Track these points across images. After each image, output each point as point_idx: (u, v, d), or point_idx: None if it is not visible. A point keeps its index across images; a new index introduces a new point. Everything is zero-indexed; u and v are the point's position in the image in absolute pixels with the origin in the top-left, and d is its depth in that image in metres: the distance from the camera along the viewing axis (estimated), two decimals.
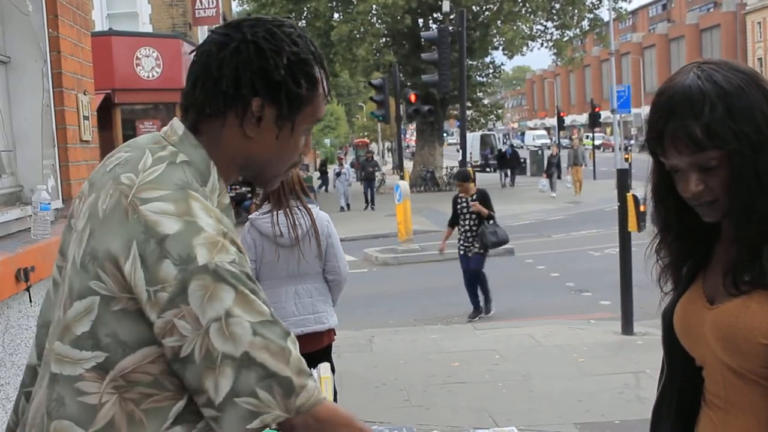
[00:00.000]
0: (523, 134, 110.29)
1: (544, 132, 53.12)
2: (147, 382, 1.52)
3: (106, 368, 1.51)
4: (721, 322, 1.58)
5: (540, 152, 40.64)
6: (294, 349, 1.54)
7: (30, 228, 3.79)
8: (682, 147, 1.54)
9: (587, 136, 58.43)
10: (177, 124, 1.65)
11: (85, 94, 4.76)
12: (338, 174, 28.79)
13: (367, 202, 28.24)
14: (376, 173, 31.39)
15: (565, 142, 36.31)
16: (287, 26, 1.64)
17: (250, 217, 4.85)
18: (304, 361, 1.56)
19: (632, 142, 51.99)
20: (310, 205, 4.81)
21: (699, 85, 1.53)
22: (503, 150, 38.58)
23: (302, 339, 4.72)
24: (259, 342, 1.48)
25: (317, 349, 4.77)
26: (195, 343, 1.46)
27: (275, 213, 4.70)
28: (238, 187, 26.78)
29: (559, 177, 29.03)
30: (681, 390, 1.76)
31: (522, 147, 41.09)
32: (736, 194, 1.54)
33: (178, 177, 1.54)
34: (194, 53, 1.67)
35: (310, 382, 1.54)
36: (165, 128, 1.68)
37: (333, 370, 4.56)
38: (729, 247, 1.61)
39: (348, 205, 28.10)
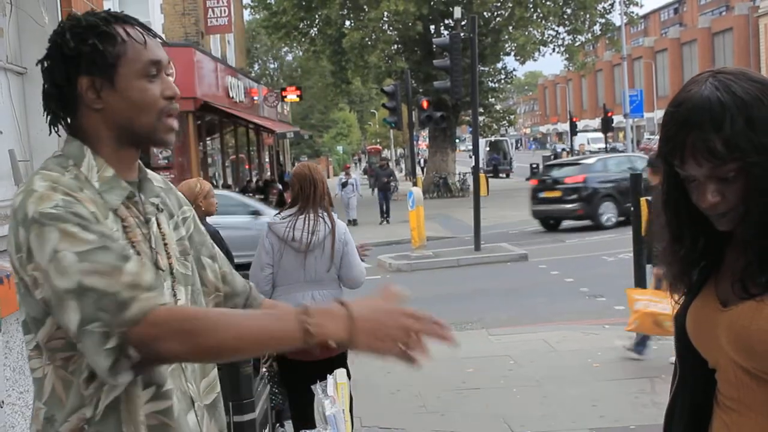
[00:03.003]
0: (535, 139, 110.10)
1: (600, 135, 47.05)
2: (62, 346, 1.70)
3: (38, 344, 1.73)
4: (735, 324, 1.59)
5: (552, 158, 40.43)
6: (134, 265, 1.63)
7: None
8: (701, 159, 1.54)
9: (649, 139, 52.92)
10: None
11: None
12: (344, 184, 26.11)
13: (382, 214, 25.99)
14: (392, 183, 29.10)
15: (619, 145, 34.09)
16: (86, 12, 1.86)
17: (268, 221, 4.91)
18: (147, 276, 1.63)
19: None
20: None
21: (718, 97, 1.53)
22: (550, 155, 38.55)
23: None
24: (87, 267, 1.60)
25: (333, 355, 4.79)
26: (45, 287, 1.62)
27: (296, 218, 4.76)
28: (251, 194, 26.88)
29: None
30: (693, 392, 1.76)
31: (568, 151, 39.57)
32: (752, 206, 1.55)
33: (41, 166, 1.78)
34: None
35: (143, 293, 1.61)
36: None
37: (349, 376, 4.57)
38: (741, 252, 1.62)
39: (354, 220, 25.07)
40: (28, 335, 1.75)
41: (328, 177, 48.66)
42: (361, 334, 1.57)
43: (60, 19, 4.29)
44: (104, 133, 1.82)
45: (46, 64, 1.82)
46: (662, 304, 6.84)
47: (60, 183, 1.70)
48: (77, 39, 1.77)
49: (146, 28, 1.86)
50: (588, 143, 55.25)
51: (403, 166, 55.88)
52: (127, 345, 1.57)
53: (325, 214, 4.83)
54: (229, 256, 5.71)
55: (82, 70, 1.78)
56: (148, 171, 1.98)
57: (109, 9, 1.87)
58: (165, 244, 1.92)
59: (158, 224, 1.91)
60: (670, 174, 1.65)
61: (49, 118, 1.85)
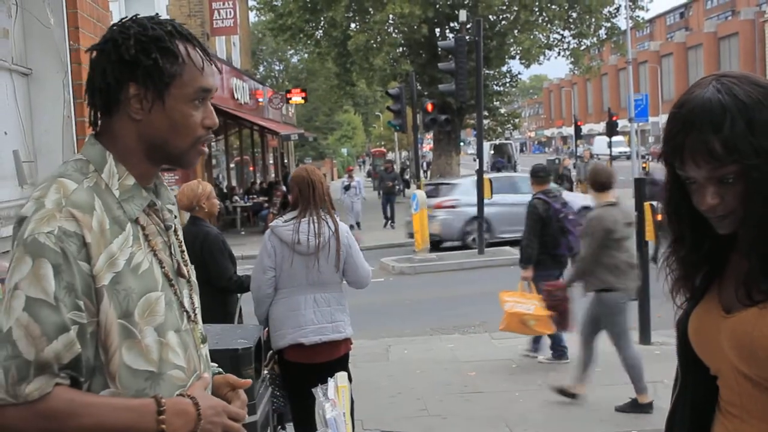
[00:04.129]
0: (540, 143, 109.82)
1: (621, 138, 44.47)
2: None
3: None
4: (738, 331, 1.58)
5: (556, 161, 40.03)
6: (58, 345, 1.58)
7: None
8: (700, 161, 1.54)
9: None
10: (90, 134, 1.83)
11: None
12: (347, 187, 25.45)
13: (386, 218, 25.63)
14: (397, 186, 29.04)
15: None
16: (149, 18, 1.80)
17: (271, 224, 4.93)
18: (59, 360, 1.59)
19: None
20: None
21: (719, 99, 1.53)
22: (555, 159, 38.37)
23: (320, 347, 4.78)
24: (24, 319, 1.56)
25: (334, 358, 4.81)
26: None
27: (299, 221, 4.77)
28: (255, 196, 26.87)
29: (570, 191, 25.61)
30: (695, 399, 1.76)
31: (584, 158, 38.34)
32: (752, 209, 1.54)
33: (58, 171, 1.73)
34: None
35: (45, 378, 1.58)
36: None
37: (350, 379, 4.58)
38: (744, 257, 1.61)
39: (358, 224, 24.24)
40: None
41: (332, 179, 48.64)
42: None
43: (66, 19, 4.31)
44: (134, 144, 1.78)
45: (96, 55, 1.77)
46: (527, 304, 7.30)
47: (71, 198, 1.66)
48: (140, 47, 1.73)
49: (205, 52, 1.84)
50: (609, 147, 53.88)
51: (410, 169, 55.61)
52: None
53: (328, 216, 4.84)
54: (232, 259, 5.72)
55: (135, 78, 1.74)
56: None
57: (174, 21, 1.83)
58: (182, 252, 1.90)
59: (175, 231, 1.90)
60: (673, 176, 1.65)
61: (90, 112, 1.81)
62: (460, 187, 19.01)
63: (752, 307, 1.57)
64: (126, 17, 1.81)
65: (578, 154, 40.27)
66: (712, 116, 1.52)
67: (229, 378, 2.01)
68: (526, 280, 7.84)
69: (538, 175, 8.27)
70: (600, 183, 6.59)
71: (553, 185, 8.79)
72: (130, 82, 1.73)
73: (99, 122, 1.80)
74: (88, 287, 1.63)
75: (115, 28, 1.78)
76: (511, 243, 16.08)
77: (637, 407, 6.29)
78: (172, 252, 1.84)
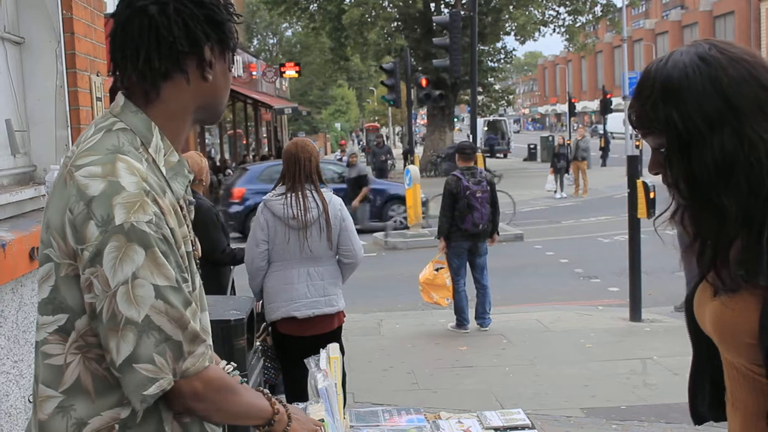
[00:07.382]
0: (534, 120, 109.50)
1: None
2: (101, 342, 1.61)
3: (67, 330, 1.62)
4: (714, 315, 1.56)
5: (550, 139, 40.05)
6: (192, 319, 1.62)
7: (43, 207, 3.83)
8: (633, 125, 1.58)
9: None
10: (119, 97, 1.74)
11: (98, 75, 4.79)
12: (339, 161, 24.53)
13: None
14: (389, 161, 29.17)
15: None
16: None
17: (264, 198, 4.92)
18: (199, 331, 1.64)
19: None
20: (322, 190, 4.87)
21: (654, 68, 1.54)
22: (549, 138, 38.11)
23: (313, 321, 4.79)
24: (160, 306, 1.57)
25: (327, 331, 4.82)
26: (104, 303, 1.55)
27: (289, 195, 4.75)
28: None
29: (567, 172, 24.73)
30: (712, 371, 1.70)
31: (606, 135, 37.18)
32: (674, 184, 1.53)
33: (111, 143, 1.64)
34: (121, 22, 1.72)
35: (200, 348, 1.63)
36: (113, 103, 1.77)
37: (342, 351, 4.60)
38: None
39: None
40: (49, 316, 1.64)
41: (326, 154, 48.47)
42: None
43: None
44: (185, 107, 1.75)
45: (171, 14, 1.68)
46: (423, 272, 8.63)
47: (149, 182, 1.61)
48: (228, 10, 1.77)
49: None
50: (624, 124, 53.35)
51: (400, 144, 55.38)
52: (167, 392, 1.60)
53: (315, 192, 4.81)
54: (225, 231, 5.72)
55: (213, 38, 1.74)
56: None
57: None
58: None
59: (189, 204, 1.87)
60: None
61: (130, 73, 1.72)
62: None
63: (728, 292, 1.53)
64: None
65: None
66: (642, 83, 1.55)
67: None
68: (442, 251, 8.53)
69: (465, 152, 8.66)
70: None
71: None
72: (207, 44, 1.72)
73: (152, 86, 1.72)
74: (181, 263, 1.67)
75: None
76: None
77: None
78: (191, 238, 1.81)
